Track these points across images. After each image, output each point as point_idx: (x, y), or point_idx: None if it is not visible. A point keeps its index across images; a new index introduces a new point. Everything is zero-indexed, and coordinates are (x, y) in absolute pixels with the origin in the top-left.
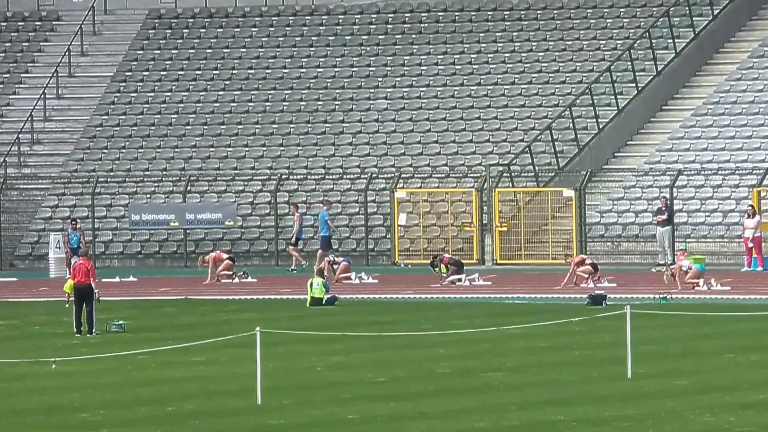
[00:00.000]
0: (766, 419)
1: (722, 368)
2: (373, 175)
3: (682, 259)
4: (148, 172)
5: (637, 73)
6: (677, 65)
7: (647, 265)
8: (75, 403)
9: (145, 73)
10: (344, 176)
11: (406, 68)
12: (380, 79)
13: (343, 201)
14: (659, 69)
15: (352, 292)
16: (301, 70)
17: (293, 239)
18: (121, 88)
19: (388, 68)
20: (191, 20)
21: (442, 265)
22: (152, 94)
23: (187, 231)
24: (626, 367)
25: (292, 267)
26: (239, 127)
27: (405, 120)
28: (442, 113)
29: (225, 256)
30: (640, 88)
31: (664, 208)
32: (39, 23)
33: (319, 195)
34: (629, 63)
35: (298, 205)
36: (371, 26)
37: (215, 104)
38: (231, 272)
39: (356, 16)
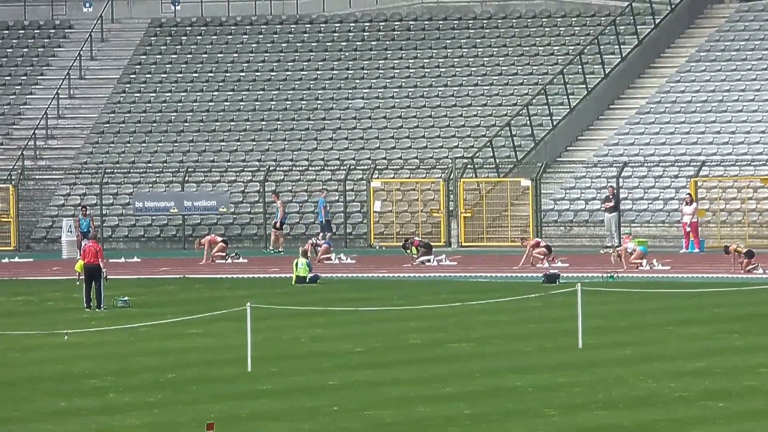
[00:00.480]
0: (702, 385)
1: (663, 340)
2: (351, 167)
3: (627, 241)
4: (150, 164)
5: (586, 76)
6: (623, 69)
7: (596, 247)
8: (85, 371)
9: (147, 76)
10: (325, 167)
11: (380, 71)
12: (358, 80)
13: (325, 188)
14: (607, 72)
15: (332, 271)
16: (287, 73)
17: (278, 223)
18: (126, 89)
19: (365, 71)
20: (189, 28)
21: (413, 248)
22: (154, 94)
23: (185, 217)
24: (577, 339)
25: (279, 249)
26: (232, 123)
27: (380, 117)
28: (413, 111)
29: (219, 239)
30: (589, 89)
31: (611, 196)
32: (53, 31)
33: (303, 184)
34: (580, 67)
35: (279, 193)
36: (350, 34)
37: (210, 103)
38: (224, 253)
39: (336, 25)
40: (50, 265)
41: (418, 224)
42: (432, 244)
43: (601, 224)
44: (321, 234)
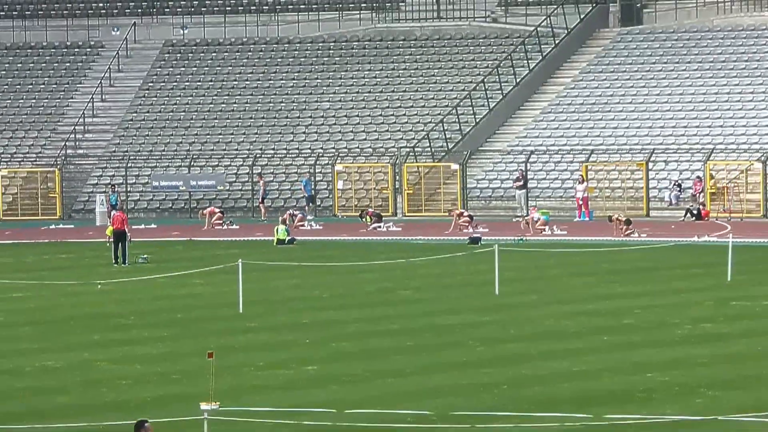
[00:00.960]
0: (591, 323)
1: (561, 288)
2: (320, 154)
3: (533, 212)
4: (164, 152)
5: (502, 84)
6: (530, 79)
7: (509, 216)
8: (113, 312)
9: (162, 84)
10: (300, 155)
11: (342, 80)
12: (325, 87)
13: (299, 172)
14: (517, 81)
15: (305, 235)
16: (270, 81)
17: (261, 199)
18: (146, 94)
19: (330, 80)
20: (194, 47)
21: (367, 216)
22: (167, 98)
23: (191, 193)
24: (495, 287)
25: (262, 218)
26: (227, 120)
27: (342, 116)
28: (367, 111)
29: (217, 210)
30: (504, 95)
31: (520, 177)
32: (89, 49)
33: (282, 168)
34: (497, 77)
35: (262, 174)
36: (318, 51)
37: (210, 105)
38: (221, 221)
39: (308, 44)
40: (87, 230)
41: (371, 199)
42: (382, 214)
43: (513, 199)
44: (306, 207)
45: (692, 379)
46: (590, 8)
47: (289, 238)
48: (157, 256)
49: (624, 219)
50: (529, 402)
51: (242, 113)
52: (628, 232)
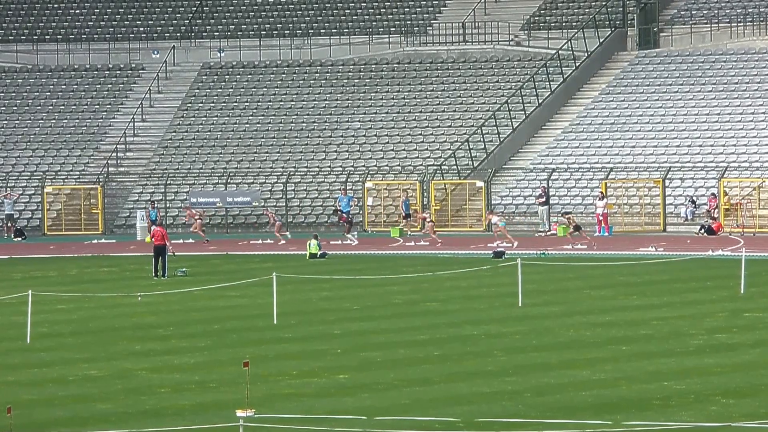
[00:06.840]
0: (609, 333)
1: (581, 300)
2: (351, 172)
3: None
4: (201, 170)
5: (525, 105)
6: (551, 100)
7: (531, 231)
8: (153, 323)
9: (199, 104)
10: (332, 172)
11: (372, 101)
12: (356, 107)
13: (331, 189)
14: (540, 102)
15: (336, 249)
16: (303, 102)
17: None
18: (184, 114)
19: (361, 101)
20: (231, 69)
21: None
22: (204, 118)
23: (227, 209)
24: (518, 299)
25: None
26: (262, 140)
27: (372, 135)
28: (396, 130)
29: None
30: (527, 114)
31: (543, 194)
32: (130, 71)
33: (315, 185)
34: (520, 98)
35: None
36: (349, 73)
37: (246, 125)
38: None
39: (339, 67)
40: (128, 245)
41: (400, 215)
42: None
43: (536, 215)
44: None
45: (707, 388)
46: (609, 32)
47: (321, 252)
48: (195, 269)
49: (574, 224)
50: (551, 409)
51: (276, 133)
52: (576, 236)
